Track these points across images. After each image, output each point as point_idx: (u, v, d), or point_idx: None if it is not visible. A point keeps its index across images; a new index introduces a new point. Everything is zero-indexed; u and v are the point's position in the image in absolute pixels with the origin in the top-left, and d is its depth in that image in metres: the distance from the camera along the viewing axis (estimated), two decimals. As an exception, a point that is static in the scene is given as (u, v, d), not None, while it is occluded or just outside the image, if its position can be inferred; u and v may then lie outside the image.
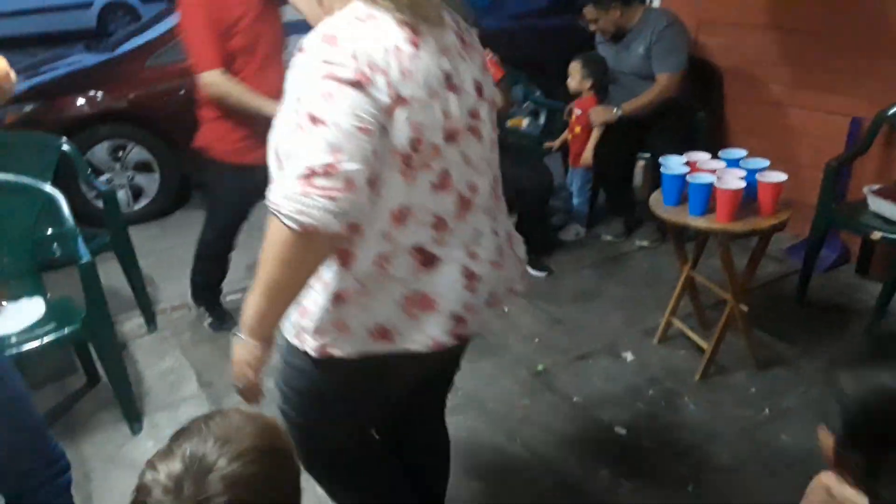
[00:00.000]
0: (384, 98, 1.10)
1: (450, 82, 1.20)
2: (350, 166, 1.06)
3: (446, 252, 1.26)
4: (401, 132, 1.13)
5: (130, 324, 2.99)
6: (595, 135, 3.46)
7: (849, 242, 3.28)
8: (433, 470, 1.77)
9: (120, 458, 2.28)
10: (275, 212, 1.07)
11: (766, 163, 2.42)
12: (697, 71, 3.57)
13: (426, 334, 1.27)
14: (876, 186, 2.83)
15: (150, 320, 2.97)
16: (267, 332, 1.21)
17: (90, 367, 2.59)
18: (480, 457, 2.25)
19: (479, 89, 1.29)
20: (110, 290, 2.76)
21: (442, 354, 1.30)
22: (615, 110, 3.39)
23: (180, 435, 0.87)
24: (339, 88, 1.07)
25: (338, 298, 1.24)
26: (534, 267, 3.39)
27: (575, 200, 3.68)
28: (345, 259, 1.22)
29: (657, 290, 3.07)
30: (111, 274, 2.84)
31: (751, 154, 2.51)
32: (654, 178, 2.82)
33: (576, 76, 3.48)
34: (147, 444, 2.33)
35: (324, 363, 1.28)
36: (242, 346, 1.22)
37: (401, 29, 1.14)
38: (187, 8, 2.43)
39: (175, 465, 0.82)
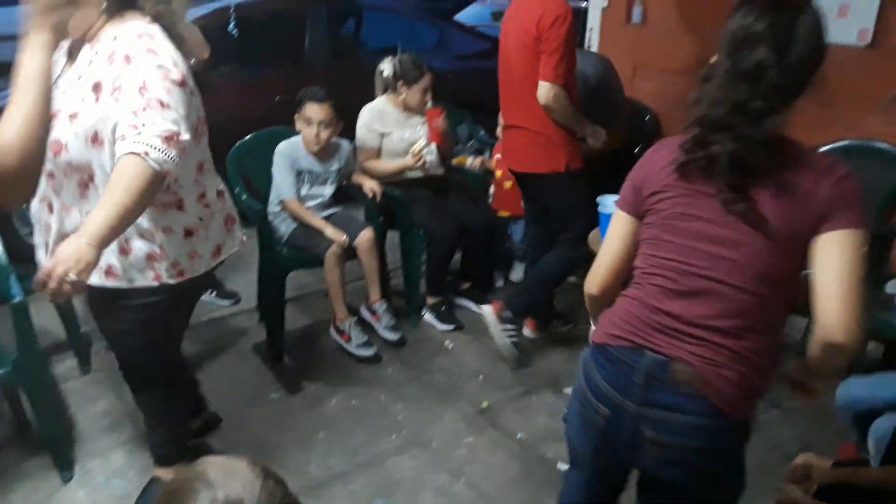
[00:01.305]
0: (189, 90, 1.62)
1: None
2: (186, 136, 1.54)
3: (221, 185, 1.94)
4: (194, 112, 1.67)
5: (63, 365, 2.88)
6: None
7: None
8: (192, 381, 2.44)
9: (49, 507, 2.18)
10: (143, 156, 1.43)
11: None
12: (634, 113, 3.72)
13: (236, 238, 2.00)
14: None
15: (85, 361, 2.87)
16: (106, 244, 1.43)
17: (19, 411, 2.48)
18: (424, 497, 2.24)
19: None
20: (43, 329, 2.67)
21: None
22: None
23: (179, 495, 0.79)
24: (173, 86, 1.55)
25: (188, 234, 1.78)
26: (478, 303, 3.42)
27: (516, 250, 3.63)
28: (179, 205, 1.74)
29: (598, 325, 3.14)
30: (44, 313, 2.75)
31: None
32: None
33: None
34: (78, 492, 2.24)
35: (172, 288, 1.76)
36: (86, 249, 1.37)
37: (168, 41, 1.61)
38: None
39: None
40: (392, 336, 3.08)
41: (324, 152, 2.98)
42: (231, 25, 3.79)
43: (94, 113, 1.56)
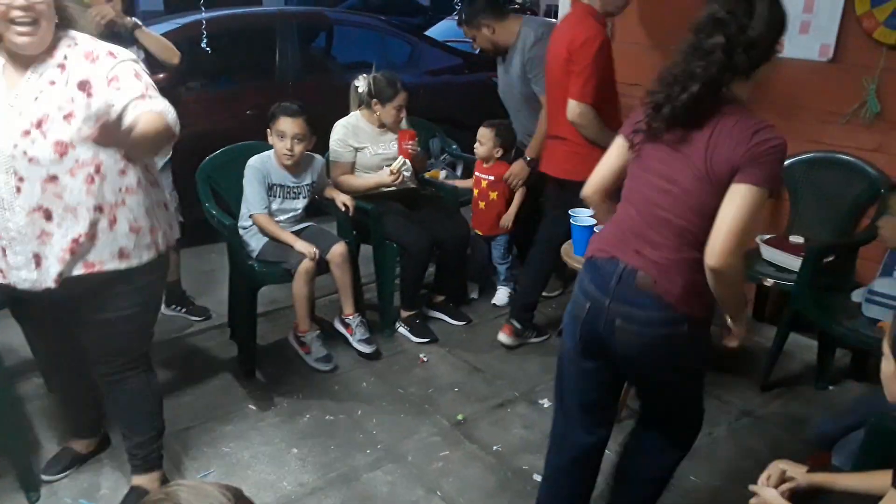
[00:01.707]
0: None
1: None
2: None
3: None
4: None
5: (29, 384, 2.81)
6: (518, 198, 3.45)
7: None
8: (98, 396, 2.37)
9: (13, 531, 2.12)
10: (167, 113, 1.74)
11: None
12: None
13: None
14: (767, 236, 3.04)
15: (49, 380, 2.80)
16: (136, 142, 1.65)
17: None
18: (400, 512, 2.22)
19: None
20: (7, 347, 2.61)
21: None
22: (525, 162, 3.35)
23: None
24: (145, 74, 1.84)
25: (165, 206, 2.03)
26: (452, 317, 3.43)
27: (501, 268, 3.63)
28: (156, 182, 1.99)
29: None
30: (10, 331, 2.68)
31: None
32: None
33: (486, 143, 3.39)
34: (44, 514, 2.18)
35: (162, 258, 1.99)
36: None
37: None
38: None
39: None
40: (366, 349, 3.06)
41: (296, 166, 2.97)
42: (203, 40, 3.77)
43: (93, 105, 1.72)
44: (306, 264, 2.82)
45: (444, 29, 7.44)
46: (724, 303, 1.63)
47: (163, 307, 3.33)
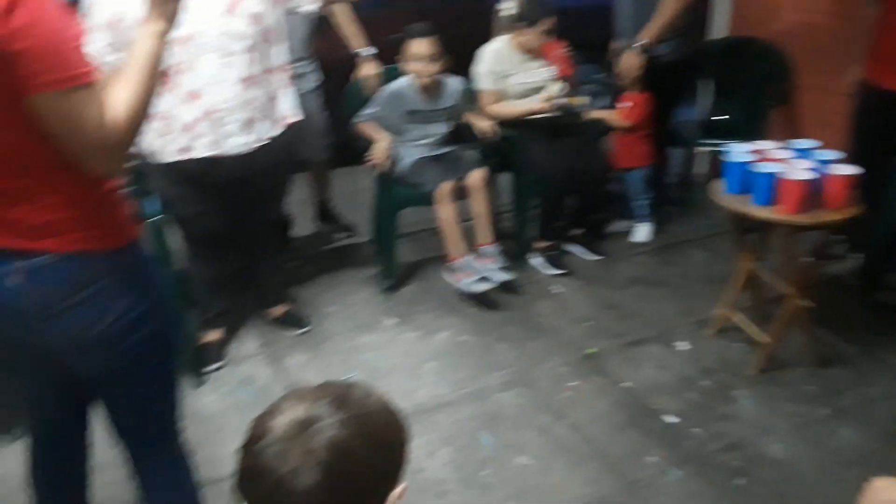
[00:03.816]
0: None
1: None
2: None
3: None
4: None
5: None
6: (641, 107, 3.27)
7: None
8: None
9: None
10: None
11: (838, 155, 2.36)
12: (765, 56, 3.48)
13: None
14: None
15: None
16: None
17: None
18: (526, 435, 2.28)
19: None
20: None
21: None
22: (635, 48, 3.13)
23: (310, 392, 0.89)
24: None
25: None
26: (589, 250, 3.38)
27: (639, 203, 3.49)
28: None
29: (715, 281, 3.01)
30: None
31: (824, 147, 2.44)
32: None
33: (632, 69, 3.21)
34: (210, 396, 2.43)
35: None
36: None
37: None
38: None
39: (298, 411, 0.84)
40: (503, 277, 3.05)
41: (434, 90, 2.99)
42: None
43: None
44: (445, 186, 2.87)
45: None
46: None
47: (313, 222, 3.54)
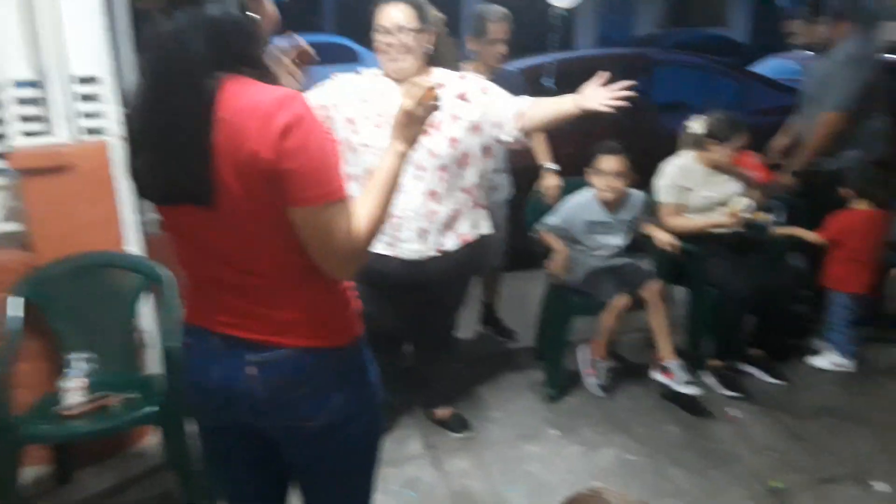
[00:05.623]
0: None
1: None
2: None
3: None
4: None
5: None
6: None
7: None
8: None
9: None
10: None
11: None
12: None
13: None
14: None
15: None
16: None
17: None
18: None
19: None
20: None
21: None
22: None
23: None
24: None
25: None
26: (770, 374, 3.15)
27: (838, 330, 3.25)
28: None
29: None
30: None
31: None
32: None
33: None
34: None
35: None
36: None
37: None
38: None
39: None
40: (692, 391, 2.86)
41: (616, 203, 3.02)
42: (549, 79, 3.97)
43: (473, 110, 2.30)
44: (621, 299, 2.84)
45: (774, 66, 6.94)
46: None
47: (476, 324, 3.61)
